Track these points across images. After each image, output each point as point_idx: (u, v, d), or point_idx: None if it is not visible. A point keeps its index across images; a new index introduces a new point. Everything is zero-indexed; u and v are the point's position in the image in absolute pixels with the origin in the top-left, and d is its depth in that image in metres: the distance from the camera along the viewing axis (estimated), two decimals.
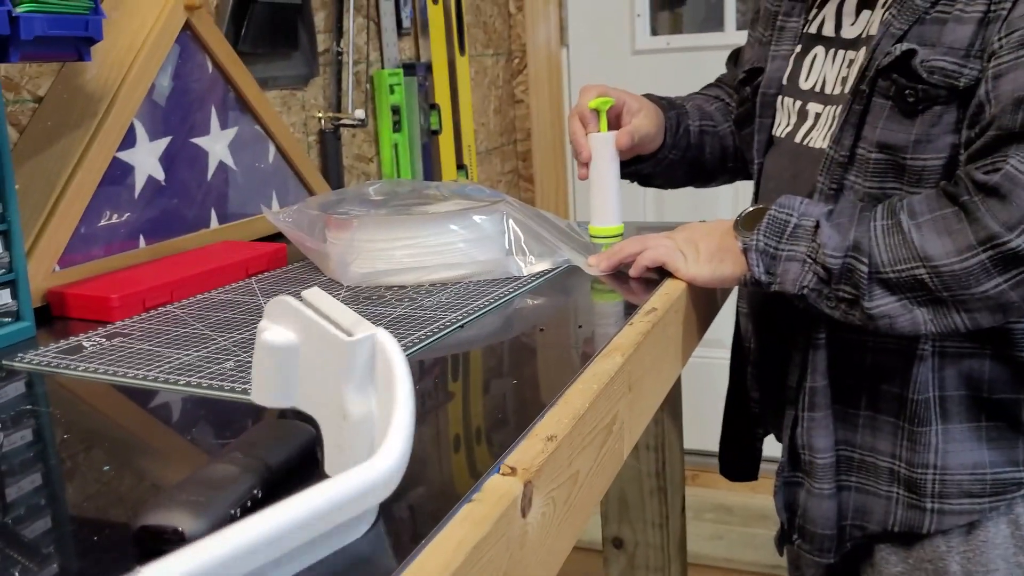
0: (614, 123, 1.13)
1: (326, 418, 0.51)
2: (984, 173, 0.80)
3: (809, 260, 0.86)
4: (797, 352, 0.98)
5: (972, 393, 0.91)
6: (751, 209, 0.93)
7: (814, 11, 1.02)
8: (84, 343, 0.83)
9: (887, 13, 0.90)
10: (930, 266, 0.81)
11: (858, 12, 0.97)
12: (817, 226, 0.86)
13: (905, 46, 0.87)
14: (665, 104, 1.18)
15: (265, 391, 0.51)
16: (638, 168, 1.19)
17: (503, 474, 0.54)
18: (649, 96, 1.19)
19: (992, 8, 0.83)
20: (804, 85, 1.01)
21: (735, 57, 1.26)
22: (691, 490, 1.44)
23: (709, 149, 1.20)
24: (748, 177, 1.22)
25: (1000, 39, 0.82)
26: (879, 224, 0.84)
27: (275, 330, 0.51)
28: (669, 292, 0.92)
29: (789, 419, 1.00)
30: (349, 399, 0.50)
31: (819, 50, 1.00)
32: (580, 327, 0.87)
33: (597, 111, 1.10)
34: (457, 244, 0.98)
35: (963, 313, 0.82)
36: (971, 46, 0.84)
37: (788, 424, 1.01)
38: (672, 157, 1.18)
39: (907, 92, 0.87)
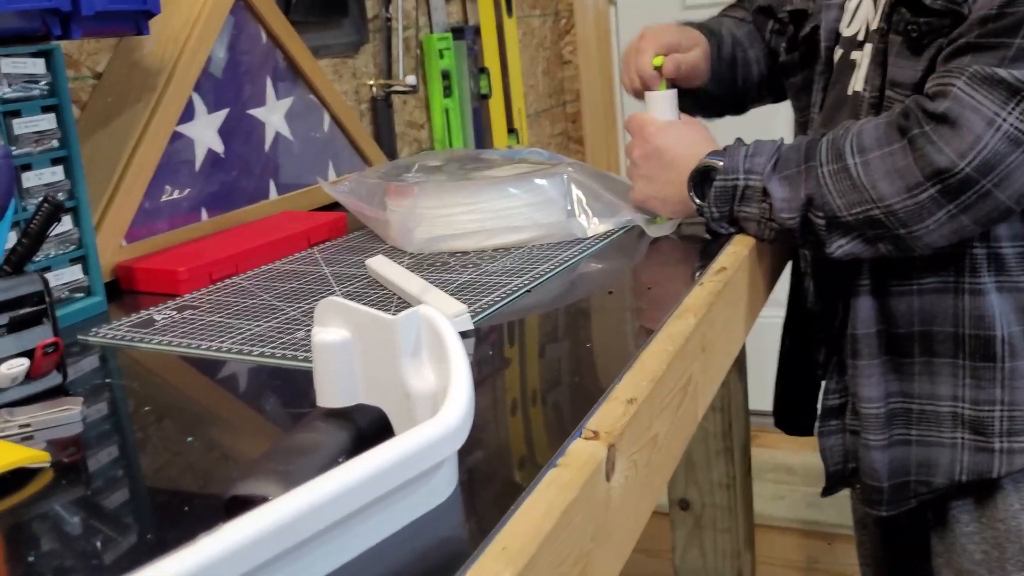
0: (671, 64, 1.10)
1: (393, 404, 0.52)
2: (932, 99, 0.81)
3: (764, 219, 0.90)
4: (841, 300, 0.97)
5: None
6: (703, 167, 0.93)
7: None
8: (155, 316, 0.83)
9: None
10: (883, 205, 0.83)
11: None
12: (765, 187, 0.88)
13: None
14: (707, 33, 1.16)
15: (330, 393, 0.52)
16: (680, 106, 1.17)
17: (586, 438, 0.54)
18: (688, 24, 1.16)
19: None
20: (847, 32, 0.99)
21: None
22: (754, 450, 1.44)
23: (742, 77, 1.19)
24: (774, 101, 1.24)
25: None
26: (827, 170, 0.86)
27: (327, 330, 0.51)
28: (737, 251, 0.90)
29: (834, 366, 1.01)
30: (408, 376, 0.50)
31: None
32: (649, 288, 0.86)
33: (658, 69, 1.07)
34: (519, 208, 0.97)
35: (922, 242, 0.84)
36: None
37: (833, 371, 1.01)
38: (712, 90, 1.16)
39: (911, 27, 0.87)
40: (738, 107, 1.24)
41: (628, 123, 1.03)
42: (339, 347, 0.51)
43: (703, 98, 1.17)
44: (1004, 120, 0.78)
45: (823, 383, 1.04)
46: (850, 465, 1.01)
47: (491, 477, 0.52)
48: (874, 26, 0.93)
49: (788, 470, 2.28)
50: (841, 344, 0.99)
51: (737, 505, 1.29)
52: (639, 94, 1.09)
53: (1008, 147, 0.78)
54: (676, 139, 0.97)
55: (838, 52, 1.00)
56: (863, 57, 0.95)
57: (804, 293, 1.08)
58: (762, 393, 1.25)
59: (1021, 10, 0.78)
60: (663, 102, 1.02)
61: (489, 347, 0.73)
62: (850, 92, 0.97)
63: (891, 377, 0.95)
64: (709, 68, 1.13)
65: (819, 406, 1.05)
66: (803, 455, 2.27)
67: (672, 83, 1.07)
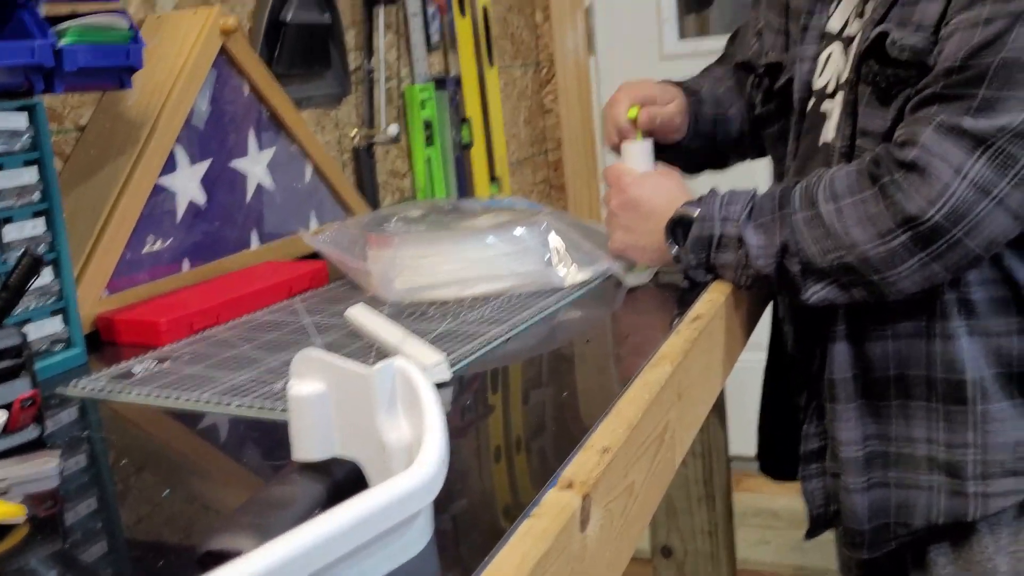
0: (645, 115, 1.11)
1: (369, 456, 0.52)
2: (901, 148, 0.83)
3: (741, 267, 0.91)
4: (818, 345, 0.99)
5: (1005, 370, 0.90)
6: (679, 215, 0.94)
7: (832, 6, 1.02)
8: (135, 368, 0.84)
9: (876, 1, 0.92)
10: (857, 251, 0.84)
11: (864, 3, 0.97)
12: (740, 235, 0.90)
13: (880, 28, 0.89)
14: (686, 91, 1.18)
15: (305, 446, 0.52)
16: (659, 158, 1.18)
17: (561, 488, 0.54)
18: (668, 81, 1.18)
19: None
20: (818, 84, 1.01)
21: (734, 38, 1.27)
22: (736, 495, 1.44)
23: (721, 135, 1.20)
24: (755, 156, 1.26)
25: (954, 6, 0.84)
26: (800, 217, 0.87)
27: (303, 383, 0.52)
28: (713, 298, 0.91)
29: (813, 410, 1.02)
30: (383, 428, 0.51)
31: (835, 47, 1.00)
32: (626, 337, 0.87)
33: (633, 121, 1.09)
34: (498, 257, 0.98)
35: (894, 288, 0.85)
36: (939, 22, 0.85)
37: (813, 415, 1.02)
38: (692, 146, 1.18)
39: (878, 78, 0.89)
40: (719, 163, 1.26)
41: (606, 174, 1.04)
42: (314, 400, 0.52)
43: (683, 154, 1.19)
44: (971, 169, 0.80)
45: (803, 427, 1.05)
46: (832, 507, 1.02)
47: (467, 527, 0.53)
48: (844, 77, 0.96)
49: (773, 514, 2.27)
50: (819, 388, 1.00)
51: (720, 552, 1.29)
52: (616, 148, 1.11)
53: (976, 195, 0.80)
54: (653, 189, 0.99)
55: (811, 103, 1.03)
56: (834, 108, 0.98)
57: (783, 339, 1.10)
58: (745, 437, 1.25)
59: (984, 62, 0.80)
60: (639, 153, 1.04)
61: (467, 396, 0.73)
62: (822, 142, 1.00)
63: (868, 420, 0.96)
64: (686, 123, 1.15)
65: (800, 450, 1.05)
66: (788, 499, 2.27)
67: (648, 134, 1.09)
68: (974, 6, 0.82)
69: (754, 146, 1.23)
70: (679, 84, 1.19)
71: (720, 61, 1.28)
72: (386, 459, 0.51)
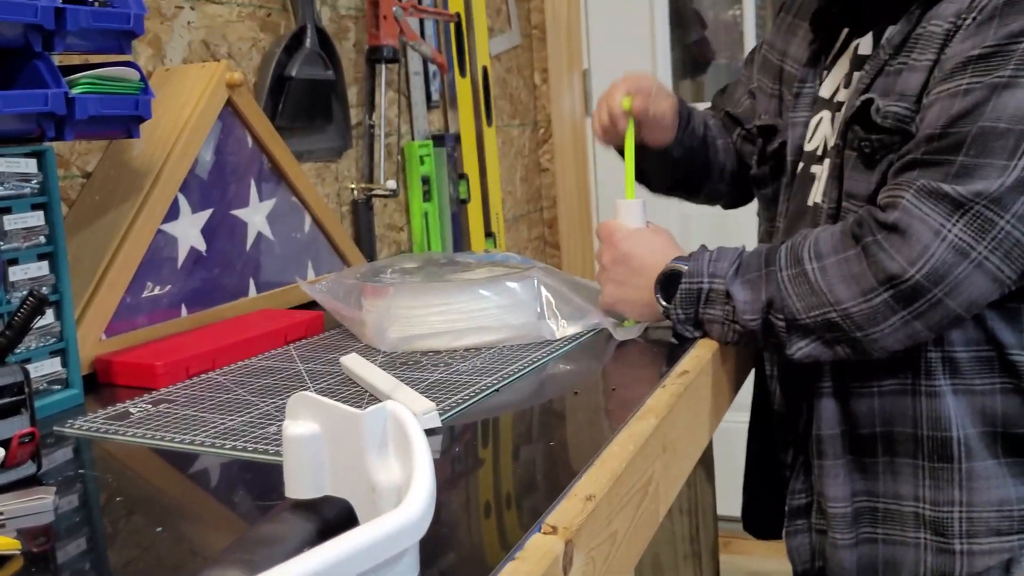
0: (640, 113, 1.12)
1: (359, 496, 0.53)
2: (884, 210, 0.86)
3: (728, 322, 0.93)
4: (805, 401, 1.01)
5: (989, 428, 0.92)
6: (669, 271, 0.97)
7: (824, 73, 1.06)
8: (131, 409, 0.85)
9: (862, 70, 0.96)
10: (840, 309, 0.87)
11: (852, 73, 1.00)
12: (728, 290, 0.93)
13: (865, 96, 0.93)
14: (680, 101, 1.20)
15: (298, 484, 0.54)
16: (641, 164, 1.19)
17: (544, 533, 0.56)
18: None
19: (940, 57, 0.89)
20: (808, 147, 1.05)
21: (723, 92, 1.31)
22: (724, 557, 1.44)
23: (702, 157, 1.23)
24: (728, 204, 1.30)
25: (936, 77, 0.88)
26: (786, 274, 0.90)
27: (298, 424, 0.54)
28: (700, 354, 0.93)
29: (800, 466, 1.03)
30: (373, 469, 0.52)
31: (824, 113, 1.03)
32: (614, 390, 0.88)
33: (627, 112, 1.10)
34: (491, 309, 1.00)
35: (877, 345, 0.87)
36: (921, 92, 0.90)
37: (799, 471, 1.03)
38: (675, 155, 1.20)
39: (863, 144, 0.93)
40: (692, 188, 1.28)
41: (598, 230, 1.07)
42: (308, 440, 0.53)
43: (666, 162, 1.20)
44: (949, 231, 0.82)
45: (790, 483, 1.06)
46: (818, 564, 1.02)
47: (452, 569, 0.54)
48: (832, 143, 0.99)
49: None
50: (806, 444, 1.01)
51: None
52: (606, 131, 1.13)
53: (955, 257, 0.82)
54: (644, 245, 1.02)
55: (800, 166, 1.06)
56: (823, 171, 1.01)
57: (769, 396, 1.11)
58: (733, 499, 1.26)
59: (963, 130, 0.84)
60: (632, 210, 1.07)
61: (455, 444, 0.75)
62: (810, 203, 1.03)
63: (856, 476, 0.98)
64: (675, 127, 1.17)
65: (786, 506, 1.06)
66: (775, 562, 2.25)
67: (638, 125, 1.10)
68: (954, 77, 0.86)
69: (731, 192, 1.26)
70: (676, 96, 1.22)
71: (709, 110, 1.32)
72: (376, 499, 0.52)
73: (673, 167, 1.22)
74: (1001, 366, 0.92)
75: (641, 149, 1.15)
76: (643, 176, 1.25)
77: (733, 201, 1.31)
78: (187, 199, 1.11)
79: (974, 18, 0.86)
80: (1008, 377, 0.92)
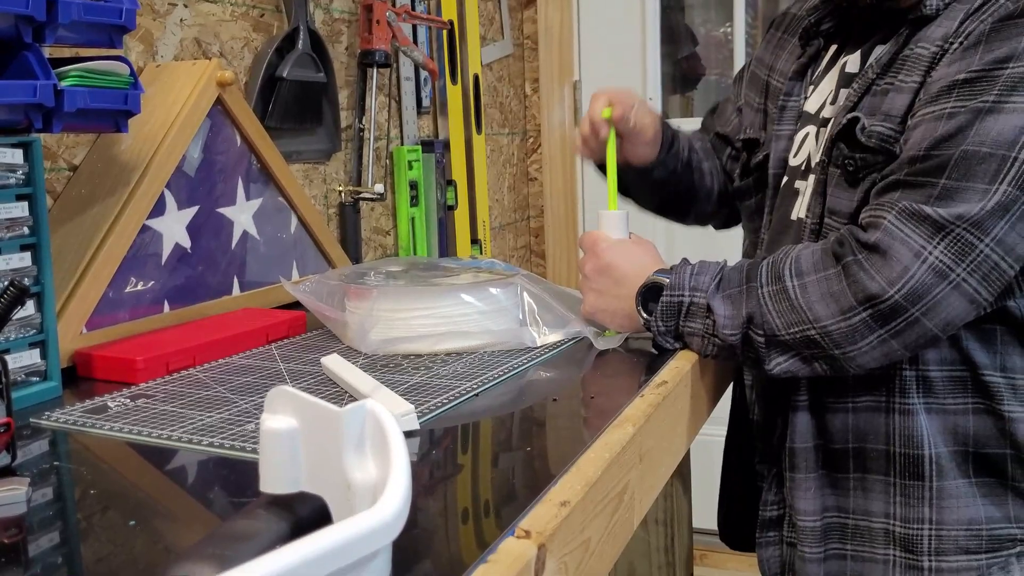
0: (620, 122, 1.11)
1: (334, 494, 0.54)
2: (865, 230, 0.87)
3: (708, 335, 0.94)
4: (781, 414, 1.02)
5: (961, 448, 0.93)
6: (650, 283, 0.97)
7: (810, 87, 1.07)
8: (109, 403, 0.85)
9: (850, 88, 0.97)
10: (819, 326, 0.88)
11: (839, 90, 1.01)
12: (709, 304, 0.93)
13: (852, 115, 0.94)
14: (663, 123, 1.20)
15: (273, 479, 0.54)
16: (624, 181, 1.18)
17: (517, 537, 0.56)
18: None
19: (926, 79, 0.90)
20: (793, 162, 1.05)
21: (714, 111, 1.31)
22: (699, 569, 1.44)
23: (686, 183, 1.23)
24: (719, 225, 1.30)
25: (921, 99, 0.89)
26: (767, 291, 0.91)
27: (276, 418, 0.54)
28: (680, 366, 0.94)
29: (773, 478, 1.04)
30: (349, 468, 0.52)
31: (810, 128, 1.05)
32: (592, 398, 0.89)
33: (607, 121, 1.11)
34: (473, 315, 1.00)
35: (855, 363, 0.88)
36: (906, 113, 0.91)
37: (773, 482, 1.04)
38: (657, 176, 1.20)
39: (847, 162, 0.94)
40: (680, 211, 1.28)
41: (582, 239, 1.07)
42: (286, 435, 0.53)
43: (649, 182, 1.20)
44: (930, 253, 0.83)
45: (763, 494, 1.07)
46: None
47: (424, 571, 0.54)
48: (816, 159, 1.00)
49: None
50: (780, 456, 1.02)
51: None
52: (587, 142, 1.13)
53: (934, 279, 0.83)
54: (626, 256, 1.02)
55: (785, 179, 1.07)
56: (807, 186, 1.02)
57: (746, 409, 1.12)
58: (709, 511, 1.27)
59: (946, 153, 0.85)
60: (615, 221, 1.07)
61: (433, 447, 0.75)
62: (794, 217, 1.04)
63: (828, 491, 0.98)
64: (657, 144, 1.17)
65: (758, 518, 1.07)
66: (749, 574, 2.26)
67: (618, 136, 1.10)
68: (939, 101, 0.87)
69: (721, 213, 1.27)
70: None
71: (699, 131, 1.32)
72: (351, 497, 0.52)
73: (657, 187, 1.22)
74: (974, 386, 0.93)
75: (623, 167, 1.14)
76: (628, 194, 1.24)
77: (724, 222, 1.32)
78: (173, 195, 1.11)
79: (961, 43, 0.88)
80: (981, 397, 0.93)
